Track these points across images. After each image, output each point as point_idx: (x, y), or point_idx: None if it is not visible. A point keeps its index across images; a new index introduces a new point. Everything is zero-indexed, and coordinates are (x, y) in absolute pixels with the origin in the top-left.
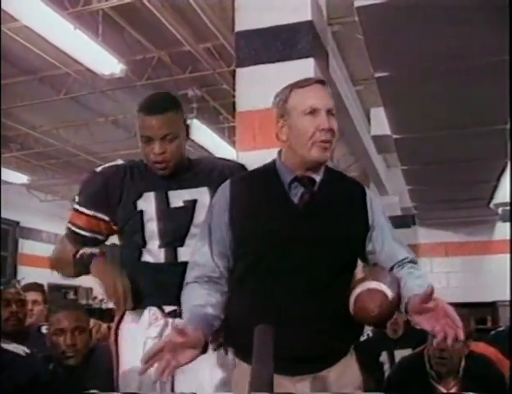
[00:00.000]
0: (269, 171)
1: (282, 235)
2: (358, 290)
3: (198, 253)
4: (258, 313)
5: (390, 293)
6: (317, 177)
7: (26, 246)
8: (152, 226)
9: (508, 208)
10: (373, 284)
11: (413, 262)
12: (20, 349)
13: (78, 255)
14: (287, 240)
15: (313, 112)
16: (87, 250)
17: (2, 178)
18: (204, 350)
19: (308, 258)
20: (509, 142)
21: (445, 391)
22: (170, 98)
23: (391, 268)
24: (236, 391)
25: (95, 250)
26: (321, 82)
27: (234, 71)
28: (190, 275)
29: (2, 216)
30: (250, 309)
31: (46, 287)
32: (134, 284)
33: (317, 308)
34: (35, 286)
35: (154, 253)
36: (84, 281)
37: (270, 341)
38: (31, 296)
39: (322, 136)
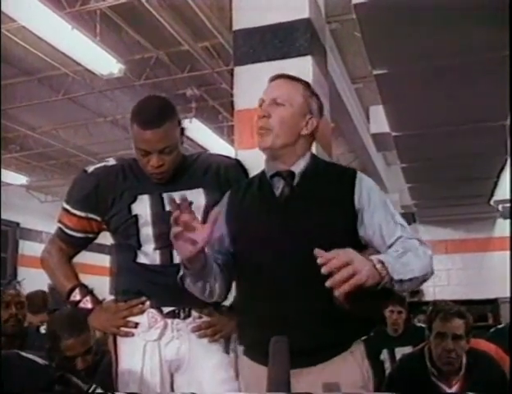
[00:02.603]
0: (261, 172)
1: (265, 231)
2: None
3: None
4: (249, 310)
5: None
6: (297, 169)
7: (26, 247)
8: (147, 231)
9: (508, 205)
10: None
11: (411, 239)
12: (37, 358)
13: (72, 298)
14: (270, 235)
15: (261, 103)
16: (80, 297)
17: (2, 179)
18: (201, 266)
19: (292, 252)
20: (509, 138)
21: (446, 388)
22: (165, 106)
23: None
24: (245, 390)
25: (88, 304)
26: (281, 77)
27: (232, 70)
28: None
29: (2, 217)
30: (244, 307)
31: (47, 289)
32: (130, 285)
33: (303, 302)
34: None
35: (149, 255)
36: (85, 282)
37: (286, 350)
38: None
39: (258, 123)
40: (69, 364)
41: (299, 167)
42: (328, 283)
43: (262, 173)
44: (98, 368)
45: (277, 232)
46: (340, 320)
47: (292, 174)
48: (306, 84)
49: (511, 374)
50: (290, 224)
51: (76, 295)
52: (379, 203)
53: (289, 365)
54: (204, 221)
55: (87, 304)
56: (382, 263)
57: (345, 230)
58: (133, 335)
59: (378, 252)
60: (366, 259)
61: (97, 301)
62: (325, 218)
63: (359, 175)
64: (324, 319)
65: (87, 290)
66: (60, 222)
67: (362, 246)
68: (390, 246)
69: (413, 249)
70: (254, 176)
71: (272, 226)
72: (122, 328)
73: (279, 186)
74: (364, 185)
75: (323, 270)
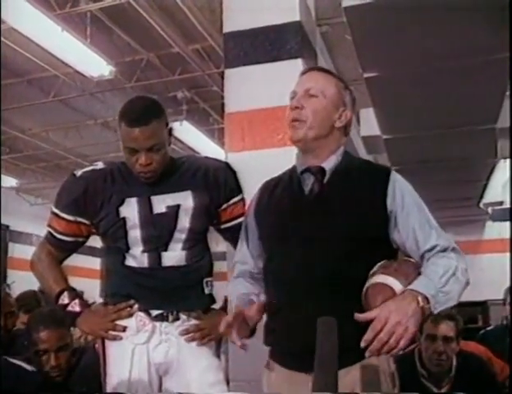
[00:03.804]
0: (292, 168)
1: (292, 229)
2: (366, 285)
3: (238, 252)
4: (275, 310)
5: (398, 286)
6: (328, 166)
7: (16, 250)
8: (135, 233)
9: (497, 207)
10: (380, 278)
11: (446, 249)
12: (25, 364)
13: (60, 302)
14: (297, 233)
15: (293, 96)
16: (69, 301)
17: None
18: (252, 333)
19: (319, 251)
20: (510, 141)
21: (436, 390)
22: (152, 106)
23: (422, 257)
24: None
25: (76, 308)
26: (314, 69)
27: (223, 73)
28: (235, 271)
29: None
30: (269, 307)
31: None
32: (119, 288)
33: (330, 302)
34: None
35: (138, 257)
36: (76, 284)
37: (334, 336)
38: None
39: (290, 115)
40: (40, 358)
41: (330, 164)
42: (384, 352)
43: (293, 169)
44: (72, 372)
45: (305, 231)
46: (368, 322)
47: (323, 170)
48: (339, 78)
49: (511, 376)
50: (319, 223)
51: (65, 299)
52: (413, 206)
53: (336, 360)
54: (192, 223)
55: (75, 307)
56: (427, 299)
57: (376, 232)
58: (121, 338)
59: (409, 256)
60: (411, 298)
61: (85, 305)
62: (355, 220)
63: (393, 175)
64: (351, 321)
65: (75, 294)
66: (49, 226)
67: (392, 250)
68: (424, 254)
69: (454, 272)
70: (284, 173)
71: (299, 225)
72: (111, 332)
73: (308, 183)
74: (398, 187)
75: (367, 338)
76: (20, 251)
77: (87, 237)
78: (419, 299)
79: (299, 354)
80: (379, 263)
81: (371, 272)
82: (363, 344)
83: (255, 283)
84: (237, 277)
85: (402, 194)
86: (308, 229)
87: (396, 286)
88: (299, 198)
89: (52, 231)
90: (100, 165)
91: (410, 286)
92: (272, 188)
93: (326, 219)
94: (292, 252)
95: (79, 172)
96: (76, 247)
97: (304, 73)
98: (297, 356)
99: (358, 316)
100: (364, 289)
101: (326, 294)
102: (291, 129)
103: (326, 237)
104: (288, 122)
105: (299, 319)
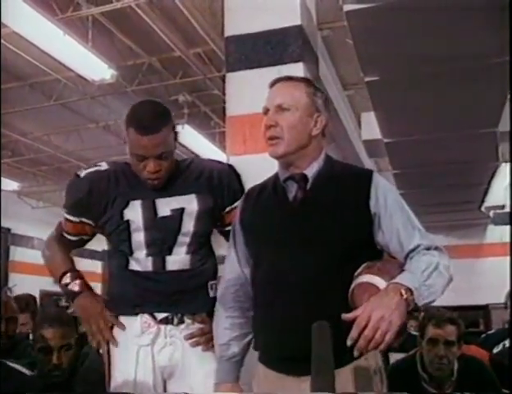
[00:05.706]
0: (275, 174)
1: (278, 236)
2: (352, 286)
3: (227, 259)
4: (263, 315)
5: (383, 285)
6: (310, 173)
7: (18, 253)
8: (139, 237)
9: (499, 211)
10: (365, 278)
11: (430, 248)
12: (24, 369)
13: (63, 281)
14: (283, 240)
15: (265, 112)
16: (70, 280)
17: None
18: None
19: (305, 257)
20: (510, 144)
21: None
22: (162, 112)
23: (406, 258)
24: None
25: (76, 287)
26: (281, 80)
27: (224, 76)
28: (220, 285)
29: None
30: (259, 312)
31: (38, 294)
32: (123, 292)
33: (316, 307)
34: None
35: (141, 261)
36: None
37: (329, 339)
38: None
39: (266, 133)
40: (43, 356)
41: (312, 171)
42: (371, 348)
43: (276, 176)
44: (75, 373)
45: (291, 237)
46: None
47: (305, 177)
48: (307, 81)
49: (511, 377)
50: (304, 229)
51: (67, 279)
52: (396, 208)
53: (332, 361)
54: (197, 226)
55: (74, 287)
56: (411, 291)
57: (361, 235)
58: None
59: (393, 257)
60: (393, 292)
61: (85, 286)
62: (339, 224)
63: (375, 178)
64: (338, 325)
65: (77, 275)
66: (60, 223)
67: (377, 252)
68: (408, 254)
69: (436, 266)
70: (268, 179)
71: (285, 231)
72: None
73: (292, 190)
74: (381, 189)
75: (352, 336)
76: (22, 254)
77: (92, 235)
78: (402, 291)
79: (289, 358)
80: (363, 264)
81: (356, 273)
82: (349, 342)
83: (234, 314)
84: (218, 301)
85: (385, 196)
86: (294, 235)
87: (381, 284)
88: (284, 205)
89: (62, 231)
90: (104, 166)
91: (393, 280)
92: (256, 195)
93: (311, 225)
94: (279, 258)
95: (82, 173)
96: (81, 245)
97: (272, 85)
98: (287, 360)
99: (345, 316)
100: (350, 289)
101: (315, 298)
102: (269, 146)
103: (312, 242)
104: (265, 139)
105: (287, 324)
